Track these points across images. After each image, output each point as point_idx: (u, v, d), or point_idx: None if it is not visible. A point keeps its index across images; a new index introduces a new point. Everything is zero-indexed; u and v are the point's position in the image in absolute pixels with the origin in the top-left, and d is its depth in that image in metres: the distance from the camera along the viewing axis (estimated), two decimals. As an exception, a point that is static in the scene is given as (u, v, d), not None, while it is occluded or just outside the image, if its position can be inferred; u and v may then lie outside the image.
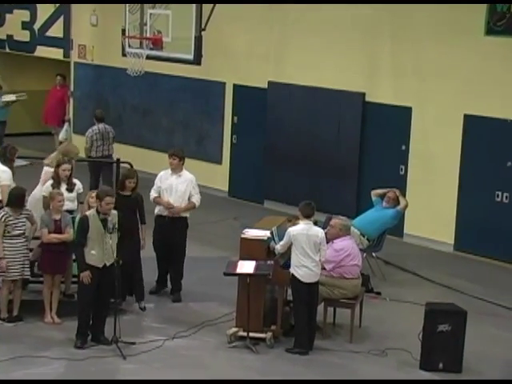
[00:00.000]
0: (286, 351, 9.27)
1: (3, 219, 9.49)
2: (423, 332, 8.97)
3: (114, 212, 9.26)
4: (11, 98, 17.92)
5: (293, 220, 9.81)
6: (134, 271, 10.11)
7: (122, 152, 15.51)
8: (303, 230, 9.25)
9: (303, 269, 9.19)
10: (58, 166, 10.22)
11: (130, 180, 10.18)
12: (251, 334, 9.35)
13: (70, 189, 10.22)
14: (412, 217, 13.33)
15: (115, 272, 9.23)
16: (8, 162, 10.59)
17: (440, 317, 8.92)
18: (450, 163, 13.26)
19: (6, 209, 9.58)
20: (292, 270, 9.27)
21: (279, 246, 9.43)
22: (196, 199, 10.77)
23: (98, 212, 9.18)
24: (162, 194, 10.68)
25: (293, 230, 9.29)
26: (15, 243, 9.57)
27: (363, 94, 14.19)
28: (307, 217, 9.34)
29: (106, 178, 14.26)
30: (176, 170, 10.73)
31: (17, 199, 9.61)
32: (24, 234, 9.64)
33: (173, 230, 10.59)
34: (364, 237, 11.63)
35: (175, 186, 10.67)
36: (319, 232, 9.35)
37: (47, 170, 10.46)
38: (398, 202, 11.85)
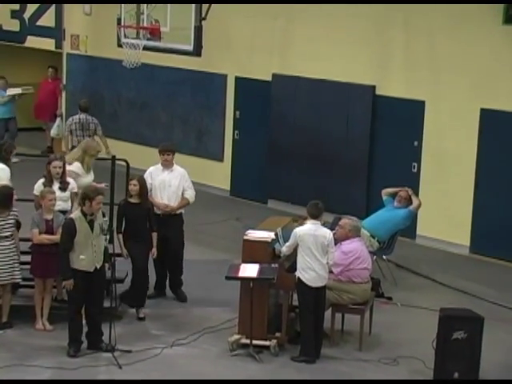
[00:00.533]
0: (292, 360, 9.27)
1: None
2: (437, 339, 8.95)
3: (100, 211, 9.27)
4: (17, 91, 17.88)
5: (299, 220, 9.80)
6: (145, 279, 10.23)
7: (117, 149, 15.50)
8: (310, 231, 9.25)
9: (310, 272, 9.19)
10: (48, 162, 10.21)
11: (131, 182, 10.22)
12: (254, 342, 9.34)
13: (63, 188, 10.21)
14: (425, 217, 13.31)
15: (105, 274, 9.25)
16: (4, 160, 10.61)
17: (455, 323, 8.90)
18: (466, 160, 13.24)
19: None
20: (298, 274, 9.26)
21: (285, 248, 9.43)
22: (190, 195, 10.85)
23: (83, 213, 9.17)
24: (154, 190, 10.72)
25: (299, 231, 9.29)
26: (4, 246, 9.57)
27: (373, 87, 14.18)
28: (315, 217, 9.34)
29: None
30: (168, 165, 10.78)
31: (4, 199, 9.58)
32: (12, 235, 9.64)
33: (169, 228, 10.62)
34: (374, 238, 11.63)
35: (168, 181, 10.75)
36: (327, 233, 9.35)
37: (68, 169, 10.43)
38: (410, 202, 11.85)
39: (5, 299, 9.71)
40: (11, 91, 17.81)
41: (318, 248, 9.20)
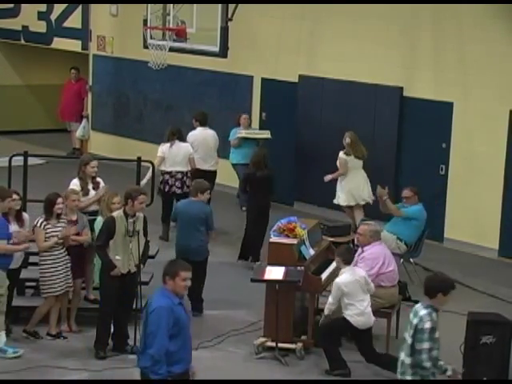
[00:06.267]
0: (327, 373, 9.11)
1: (42, 226, 9.36)
2: (465, 344, 8.91)
3: (141, 215, 9.21)
4: (250, 134, 14.92)
5: (337, 261, 9.43)
6: None
7: (143, 150, 15.57)
8: (352, 277, 9.08)
9: (361, 317, 9.01)
10: (85, 164, 10.30)
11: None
12: (280, 345, 9.34)
13: (97, 187, 10.33)
14: (453, 220, 13.24)
15: (137, 278, 9.24)
16: None
17: (484, 328, 8.85)
18: (495, 162, 13.16)
19: (43, 217, 9.43)
20: (349, 318, 9.02)
21: (331, 305, 9.14)
22: None
23: (125, 214, 9.13)
24: None
25: (341, 283, 9.05)
26: (56, 254, 9.41)
27: (401, 89, 14.13)
28: (349, 262, 9.21)
29: None
30: None
31: (53, 205, 9.41)
32: (63, 243, 9.47)
33: None
34: (401, 241, 11.58)
35: None
36: (362, 272, 9.26)
37: None
38: (417, 198, 11.73)
39: (55, 309, 9.52)
40: (242, 133, 15.02)
41: (363, 290, 9.11)
